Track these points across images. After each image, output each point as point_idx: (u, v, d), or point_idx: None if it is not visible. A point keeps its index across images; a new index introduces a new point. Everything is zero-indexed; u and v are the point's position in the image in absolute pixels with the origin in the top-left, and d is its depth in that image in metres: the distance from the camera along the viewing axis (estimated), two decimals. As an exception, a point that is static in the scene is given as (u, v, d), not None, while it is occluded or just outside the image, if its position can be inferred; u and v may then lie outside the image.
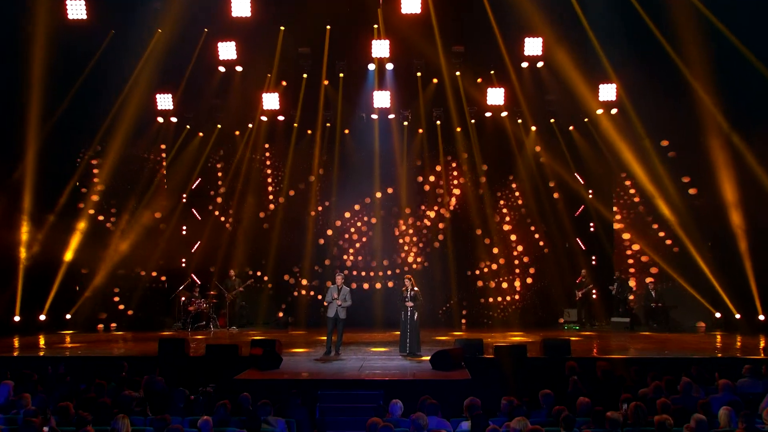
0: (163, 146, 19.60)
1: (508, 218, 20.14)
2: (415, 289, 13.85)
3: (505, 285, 19.93)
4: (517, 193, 20.11)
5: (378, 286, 20.02)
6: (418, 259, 20.18)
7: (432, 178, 20.30)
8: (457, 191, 20.27)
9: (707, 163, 17.26)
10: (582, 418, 7.88)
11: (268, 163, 20.52)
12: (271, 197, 20.42)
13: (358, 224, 20.42)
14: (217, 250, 19.75)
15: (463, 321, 19.61)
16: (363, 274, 20.17)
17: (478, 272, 19.95)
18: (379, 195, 20.18)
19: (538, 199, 19.90)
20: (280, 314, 19.83)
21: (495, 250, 19.89)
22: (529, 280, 19.96)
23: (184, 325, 18.27)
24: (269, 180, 20.51)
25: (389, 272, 20.13)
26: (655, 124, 18.03)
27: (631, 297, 18.75)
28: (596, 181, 19.61)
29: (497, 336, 16.76)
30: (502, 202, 20.18)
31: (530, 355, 12.51)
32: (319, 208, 20.39)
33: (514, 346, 13.21)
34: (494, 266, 19.88)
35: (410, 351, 13.58)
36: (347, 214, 20.45)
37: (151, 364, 10.93)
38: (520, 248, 20.06)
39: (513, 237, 20.07)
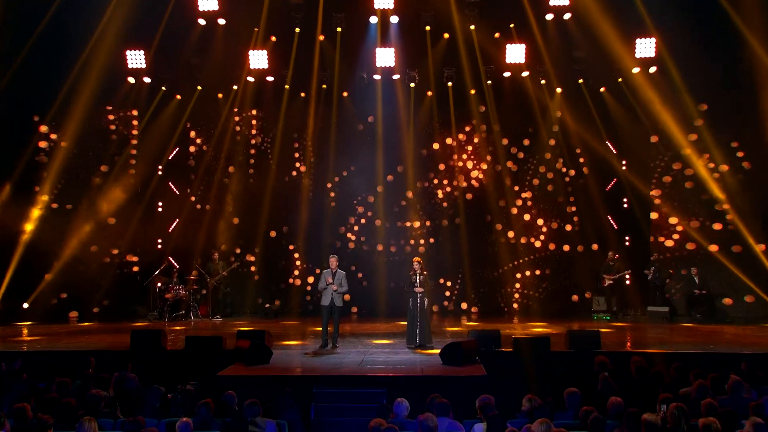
0: (134, 111, 19.51)
1: (529, 194, 20.09)
2: (424, 273, 13.84)
3: (525, 269, 19.93)
4: (540, 167, 20.03)
5: (381, 270, 20.02)
6: (429, 241, 20.18)
7: (443, 148, 20.22)
8: (471, 163, 20.20)
9: (762, 130, 17.11)
10: (613, 420, 7.83)
11: (254, 131, 20.47)
12: (259, 169, 20.39)
13: (359, 200, 20.41)
14: (198, 229, 19.74)
15: (474, 309, 19.66)
16: (364, 256, 20.18)
17: (494, 255, 19.96)
18: (382, 167, 20.11)
19: (565, 171, 19.84)
20: (277, 302, 19.89)
21: (514, 230, 19.87)
22: (553, 264, 19.96)
23: (160, 314, 18.32)
24: (257, 150, 20.47)
25: (394, 253, 20.10)
26: (701, 85, 17.83)
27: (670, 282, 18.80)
28: (631, 150, 19.49)
29: (516, 327, 16.78)
30: (522, 176, 20.12)
31: (554, 349, 12.51)
32: (314, 182, 20.39)
33: (536, 338, 13.19)
34: (513, 248, 19.88)
35: (420, 343, 13.59)
36: (347, 189, 20.43)
37: (123, 359, 10.93)
38: (543, 228, 20.02)
39: (535, 215, 20.02)
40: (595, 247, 19.44)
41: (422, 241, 20.15)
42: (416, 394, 9.12)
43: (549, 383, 10.30)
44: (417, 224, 20.18)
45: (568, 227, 19.85)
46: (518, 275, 19.95)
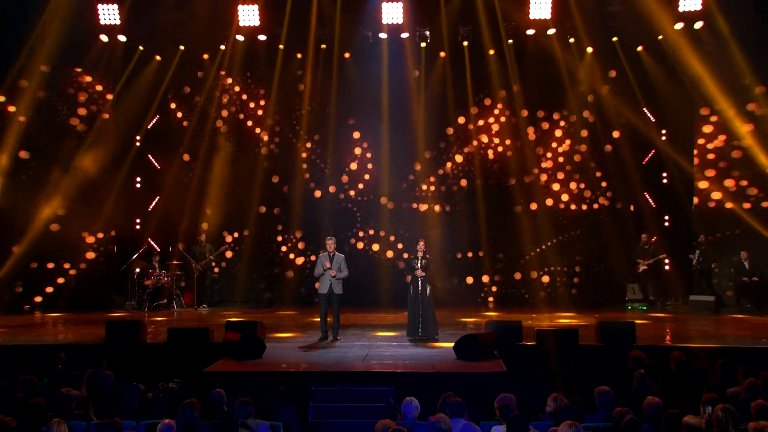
0: (108, 73, 19.42)
1: (555, 168, 20.05)
2: (428, 256, 13.87)
3: (550, 253, 19.94)
4: (567, 138, 19.96)
5: (389, 254, 20.10)
6: (442, 219, 20.18)
7: (457, 116, 20.16)
8: (488, 133, 20.16)
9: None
10: (650, 423, 7.83)
11: (244, 97, 20.41)
12: (250, 140, 20.38)
13: (363, 175, 20.42)
14: (182, 208, 19.79)
15: (491, 299, 19.76)
16: (369, 238, 20.25)
17: (515, 236, 19.97)
18: (388, 137, 20.06)
19: (595, 142, 19.78)
20: (268, 295, 19.94)
21: (537, 210, 19.85)
22: (580, 247, 19.96)
23: (139, 303, 18.39)
24: (248, 117, 20.43)
25: (402, 233, 20.11)
26: (756, 43, 17.65)
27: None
28: (672, 118, 19.39)
29: (540, 317, 16.82)
30: (547, 148, 20.06)
31: (583, 342, 12.53)
32: (312, 155, 20.37)
33: (563, 330, 13.20)
34: (536, 229, 19.88)
35: (423, 335, 13.62)
36: (349, 163, 20.43)
37: (96, 354, 10.93)
38: (571, 206, 19.98)
39: (561, 192, 19.99)
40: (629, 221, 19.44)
41: (433, 221, 20.16)
42: (427, 393, 9.12)
43: (577, 381, 10.29)
44: (428, 202, 20.17)
45: (599, 205, 19.82)
46: (542, 259, 19.96)
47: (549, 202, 19.91)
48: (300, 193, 20.15)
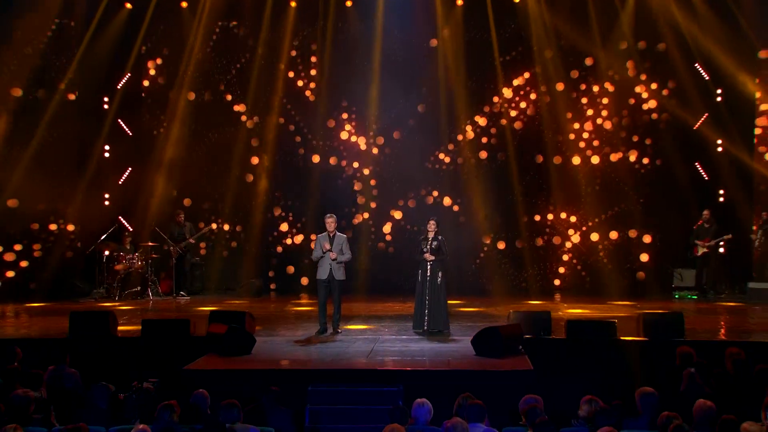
0: (71, 22, 19.36)
1: (589, 134, 20.06)
2: (440, 237, 13.78)
3: (584, 233, 20.02)
4: (604, 98, 19.91)
5: (396, 233, 20.20)
6: (460, 196, 20.26)
7: (478, 72, 20.10)
8: (513, 92, 20.15)
9: None
10: (701, 429, 7.81)
11: (229, 51, 20.39)
12: (236, 101, 20.37)
13: (369, 145, 20.43)
14: (158, 181, 19.81)
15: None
16: (374, 216, 20.32)
17: (542, 216, 20.13)
18: (397, 99, 20.01)
19: (637, 103, 19.74)
20: (258, 281, 20.01)
21: (570, 180, 19.91)
22: (621, 225, 19.98)
23: (108, 291, 18.43)
24: (234, 75, 20.42)
25: (411, 212, 20.14)
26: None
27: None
28: (730, 75, 19.17)
29: (572, 307, 16.83)
30: (582, 108, 20.03)
31: (622, 336, 12.49)
32: (308, 119, 20.37)
33: (599, 322, 13.13)
34: (568, 206, 20.01)
35: (430, 327, 13.60)
36: (351, 132, 20.43)
37: (59, 350, 10.81)
38: (610, 177, 20.02)
39: (599, 160, 19.99)
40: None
41: (449, 197, 20.25)
42: (442, 394, 9.10)
43: (616, 381, 10.29)
44: (443, 177, 20.24)
45: (641, 177, 19.84)
46: (576, 239, 20.04)
47: (584, 167, 19.98)
48: (294, 164, 20.25)
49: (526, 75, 20.12)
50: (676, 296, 18.79)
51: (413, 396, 8.80)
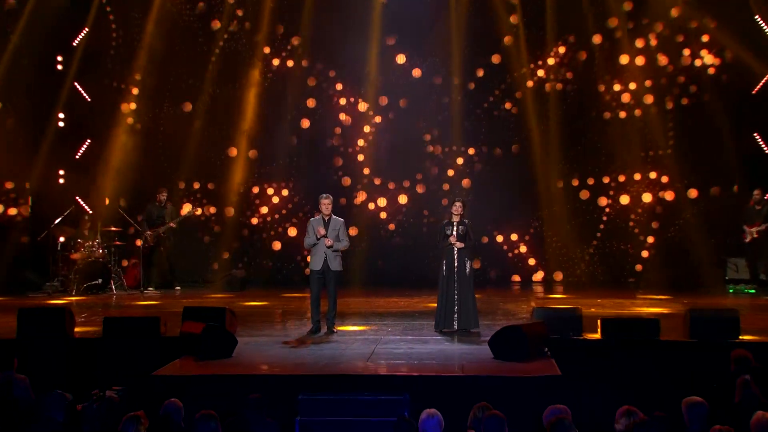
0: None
1: (628, 99, 20.10)
2: (467, 221, 13.70)
3: (621, 215, 20.11)
4: (642, 58, 19.93)
5: (403, 218, 20.35)
6: (479, 172, 20.38)
7: (502, 32, 20.15)
8: (544, 56, 20.25)
9: None
10: (759, 445, 7.83)
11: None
12: (218, 62, 20.45)
13: (371, 114, 20.50)
14: (126, 153, 19.82)
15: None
16: (378, 201, 20.43)
17: (573, 198, 20.24)
18: (404, 60, 20.07)
19: (688, 66, 19.75)
20: (241, 272, 20.07)
21: (604, 155, 20.01)
22: (664, 208, 20.09)
23: (64, 284, 18.46)
24: (214, 33, 20.46)
25: (421, 194, 20.24)
26: None
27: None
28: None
29: (606, 303, 16.79)
30: (623, 77, 20.08)
31: (666, 337, 12.41)
32: (298, 81, 20.43)
33: (639, 320, 13.13)
34: (605, 182, 20.16)
35: (461, 326, 13.55)
36: (347, 92, 20.44)
37: (5, 353, 10.75)
38: (649, 150, 20.11)
39: (639, 130, 20.06)
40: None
41: (468, 173, 20.41)
42: (454, 404, 9.09)
43: (658, 389, 10.26)
44: (459, 151, 20.30)
45: (694, 154, 19.82)
46: (612, 223, 20.22)
47: (624, 146, 20.11)
48: (285, 135, 20.38)
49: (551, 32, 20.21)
50: (730, 290, 18.80)
51: (421, 406, 8.67)
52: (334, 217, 13.74)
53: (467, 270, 13.61)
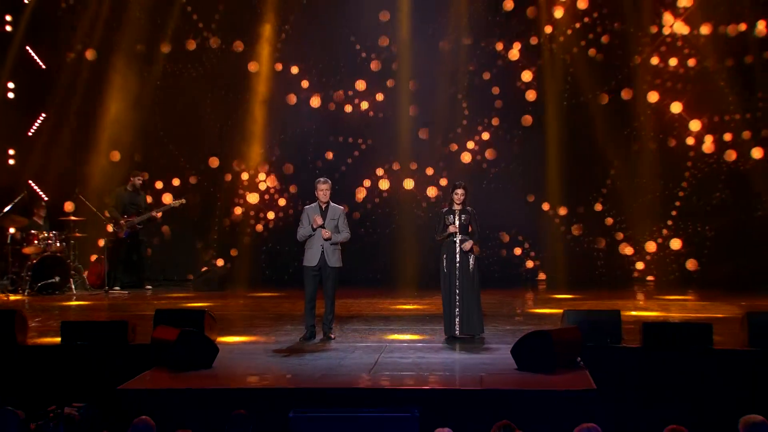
0: None
1: (675, 75, 20.26)
2: (470, 208, 13.64)
3: (666, 203, 20.30)
4: (681, 25, 20.01)
5: (408, 209, 20.48)
6: (494, 154, 20.49)
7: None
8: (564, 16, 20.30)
9: None
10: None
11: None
12: (192, 23, 20.60)
13: (369, 91, 20.70)
14: (88, 131, 19.98)
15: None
16: (382, 176, 20.57)
17: (604, 186, 20.45)
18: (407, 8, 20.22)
19: (740, 37, 19.82)
20: (222, 269, 20.18)
21: (645, 131, 20.12)
22: (717, 195, 20.17)
23: (14, 283, 18.49)
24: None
25: (429, 177, 20.39)
26: None
27: None
28: None
29: (649, 305, 16.84)
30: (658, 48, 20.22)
31: (720, 346, 12.33)
32: (288, 50, 20.68)
33: (687, 325, 13.09)
34: (640, 172, 20.33)
35: (463, 331, 13.54)
36: (342, 67, 20.65)
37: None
38: (698, 122, 20.09)
39: (688, 106, 20.09)
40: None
41: (481, 157, 20.58)
42: (471, 421, 9.18)
43: (711, 406, 10.31)
44: (470, 129, 20.54)
45: (747, 134, 19.89)
46: (652, 217, 20.28)
47: (667, 115, 20.25)
48: (280, 106, 20.56)
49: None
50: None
51: (433, 425, 8.75)
52: (332, 204, 13.65)
53: (471, 265, 13.54)
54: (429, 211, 19.99)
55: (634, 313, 14.93)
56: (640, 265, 20.52)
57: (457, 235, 13.51)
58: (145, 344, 12.39)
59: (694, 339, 12.26)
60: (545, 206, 20.60)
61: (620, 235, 20.46)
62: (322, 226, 13.44)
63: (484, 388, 11.01)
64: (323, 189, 13.55)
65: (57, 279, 18.57)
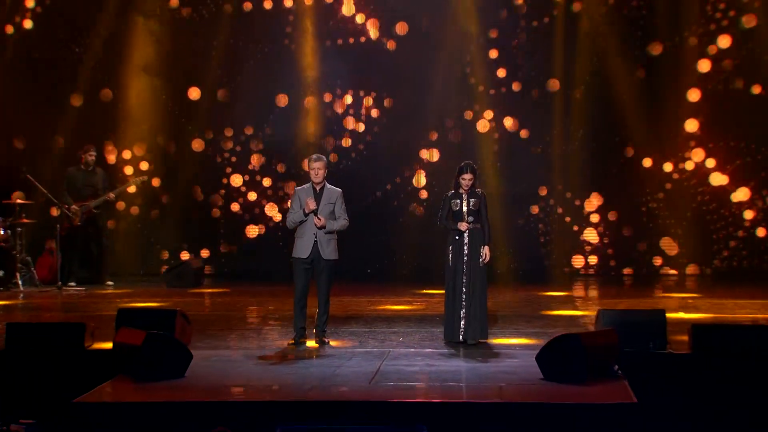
0: None
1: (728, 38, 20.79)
2: (478, 191, 13.59)
3: (707, 189, 20.58)
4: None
5: (413, 197, 20.91)
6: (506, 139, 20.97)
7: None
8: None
9: None
10: None
11: None
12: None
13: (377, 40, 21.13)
14: (42, 107, 20.36)
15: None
16: (381, 173, 20.99)
17: (641, 173, 20.96)
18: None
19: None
20: (197, 262, 20.28)
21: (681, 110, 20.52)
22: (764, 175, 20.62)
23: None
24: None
25: (435, 163, 20.85)
26: None
27: None
28: None
29: (700, 305, 16.85)
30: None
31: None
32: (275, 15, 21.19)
33: (744, 327, 13.21)
34: (681, 156, 20.87)
35: (468, 336, 13.54)
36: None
37: None
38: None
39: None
40: None
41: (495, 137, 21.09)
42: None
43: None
44: (478, 101, 20.86)
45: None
46: (692, 207, 20.79)
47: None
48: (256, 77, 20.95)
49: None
50: None
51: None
52: (328, 186, 13.58)
53: (481, 260, 13.51)
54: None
55: (681, 314, 14.98)
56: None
57: (462, 225, 13.48)
58: (106, 349, 12.44)
59: (753, 343, 12.24)
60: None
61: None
62: (315, 212, 13.36)
63: (504, 401, 10.98)
64: (316, 167, 13.45)
65: (1, 273, 18.68)
